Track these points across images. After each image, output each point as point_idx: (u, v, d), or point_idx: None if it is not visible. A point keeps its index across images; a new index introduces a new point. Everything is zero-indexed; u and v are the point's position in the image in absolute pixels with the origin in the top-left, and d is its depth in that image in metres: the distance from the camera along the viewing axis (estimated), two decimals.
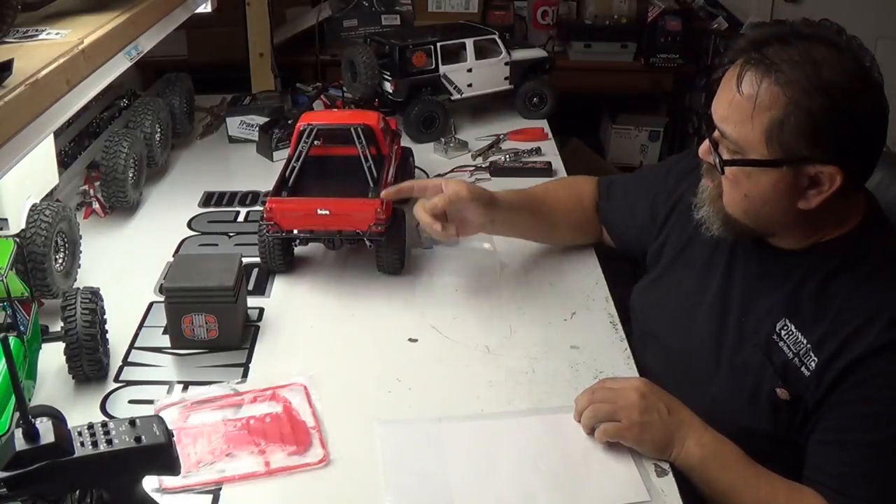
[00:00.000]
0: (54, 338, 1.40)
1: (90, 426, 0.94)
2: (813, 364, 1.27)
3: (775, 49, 1.23)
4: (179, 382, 1.44)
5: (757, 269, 1.40)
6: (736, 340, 1.39)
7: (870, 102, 1.23)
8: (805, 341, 1.29)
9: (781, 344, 1.31)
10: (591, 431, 1.31)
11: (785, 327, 1.32)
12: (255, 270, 1.75)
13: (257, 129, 2.34)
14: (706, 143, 1.33)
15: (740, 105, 1.24)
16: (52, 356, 1.41)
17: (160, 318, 1.55)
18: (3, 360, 1.12)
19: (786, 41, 1.23)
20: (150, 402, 1.38)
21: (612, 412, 1.29)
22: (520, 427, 1.34)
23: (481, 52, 2.44)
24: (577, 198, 1.79)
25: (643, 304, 1.61)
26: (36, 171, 1.63)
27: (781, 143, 1.23)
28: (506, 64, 2.47)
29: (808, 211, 1.27)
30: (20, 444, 0.88)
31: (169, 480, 1.21)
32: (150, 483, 1.11)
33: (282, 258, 1.73)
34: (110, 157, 1.88)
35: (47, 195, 1.69)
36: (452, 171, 2.18)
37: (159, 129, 2.14)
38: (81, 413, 1.34)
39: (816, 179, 1.25)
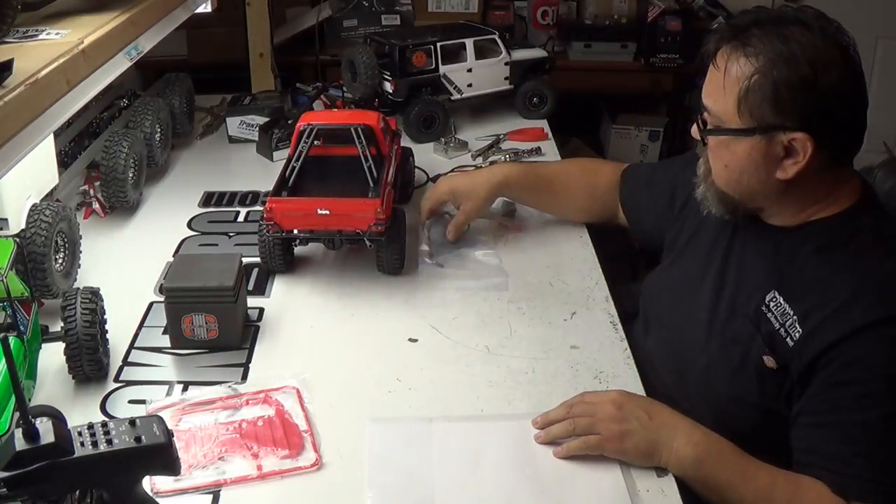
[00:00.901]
0: (54, 338, 1.40)
1: (90, 426, 0.93)
2: (797, 335, 1.29)
3: (751, 30, 1.31)
4: (179, 382, 1.44)
5: (752, 245, 1.44)
6: (728, 313, 1.42)
7: (839, 77, 1.28)
8: (792, 313, 1.32)
9: (769, 315, 1.35)
10: (552, 441, 1.30)
11: (774, 299, 1.35)
12: (255, 270, 1.75)
13: (257, 129, 2.34)
14: (695, 125, 1.41)
15: (718, 80, 1.34)
16: (52, 356, 1.41)
17: (160, 318, 1.55)
18: (3, 360, 1.12)
19: (762, 23, 1.31)
20: (151, 402, 1.38)
21: (591, 425, 1.29)
22: (511, 430, 1.33)
23: (481, 52, 2.44)
24: (591, 185, 1.87)
25: (653, 288, 1.64)
26: (36, 171, 1.63)
27: (751, 111, 1.30)
28: (506, 64, 2.47)
29: (791, 184, 1.33)
30: (20, 444, 0.88)
31: (161, 484, 1.20)
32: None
33: (282, 258, 1.73)
34: (110, 157, 1.88)
35: (47, 195, 1.69)
36: (452, 171, 2.18)
37: (159, 129, 2.14)
38: (81, 413, 1.34)
39: (790, 149, 1.30)
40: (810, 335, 1.28)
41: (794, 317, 1.31)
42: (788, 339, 1.31)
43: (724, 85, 1.32)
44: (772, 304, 1.35)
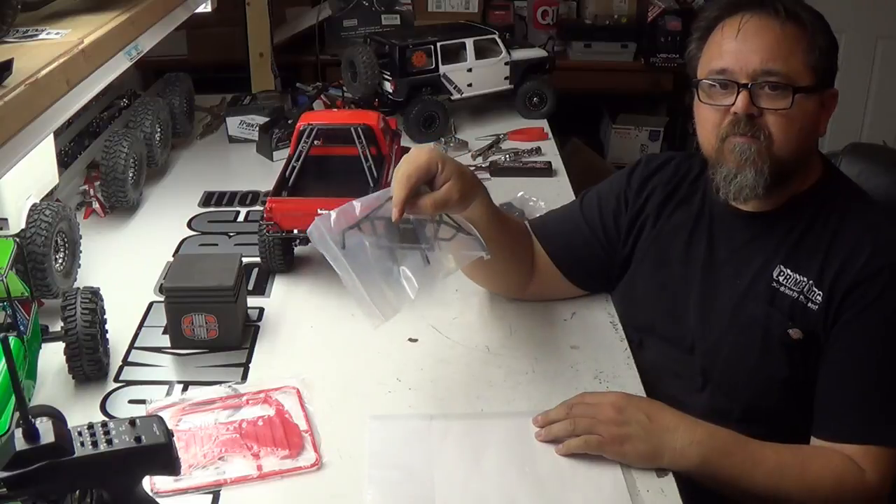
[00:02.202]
0: (54, 338, 1.40)
1: (90, 426, 0.93)
2: (819, 298, 1.35)
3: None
4: (179, 382, 1.44)
5: (740, 237, 1.46)
6: (734, 303, 1.43)
7: None
8: (805, 279, 1.37)
9: (783, 288, 1.39)
10: (552, 440, 1.29)
11: (782, 273, 1.39)
12: (255, 270, 1.75)
13: (257, 129, 2.34)
14: (744, 96, 1.35)
15: (782, 43, 1.35)
16: (52, 356, 1.41)
17: (160, 318, 1.55)
18: (3, 360, 1.12)
19: None
20: (151, 402, 1.38)
21: (590, 427, 1.28)
22: (511, 428, 1.33)
23: (481, 52, 2.44)
24: (520, 243, 1.59)
25: (627, 304, 1.61)
26: (36, 171, 1.63)
27: (818, 69, 1.36)
28: (506, 64, 2.47)
29: (817, 141, 1.42)
30: (20, 444, 0.88)
31: (161, 484, 1.20)
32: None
33: (282, 258, 1.72)
34: (110, 157, 1.88)
35: (47, 195, 1.69)
36: None
37: (159, 129, 2.14)
38: (81, 413, 1.34)
39: (825, 103, 1.39)
40: (831, 292, 1.34)
41: (810, 282, 1.36)
42: (811, 304, 1.35)
43: (791, 47, 1.35)
44: (781, 277, 1.39)
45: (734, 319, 1.43)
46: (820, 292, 1.35)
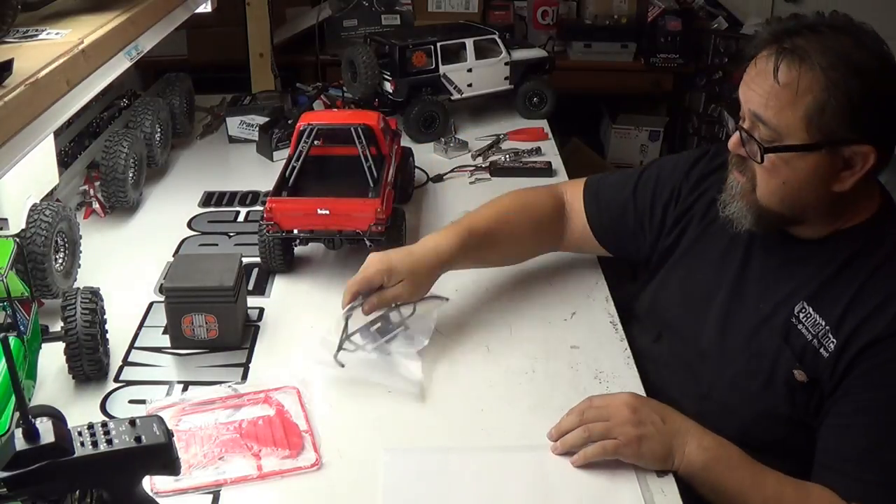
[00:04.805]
0: (54, 338, 1.40)
1: (90, 426, 0.93)
2: (832, 346, 1.29)
3: (803, 38, 1.26)
4: (179, 382, 1.44)
5: (776, 258, 1.42)
6: (753, 326, 1.40)
7: (894, 83, 1.28)
8: (824, 323, 1.31)
9: (800, 327, 1.34)
10: (569, 451, 1.27)
11: (804, 311, 1.34)
12: (255, 270, 1.75)
13: (257, 129, 2.34)
14: (736, 136, 1.34)
15: (778, 93, 1.26)
16: (52, 356, 1.41)
17: (160, 318, 1.55)
18: (3, 360, 1.12)
19: (811, 29, 1.27)
20: (151, 402, 1.38)
21: (607, 431, 1.27)
22: (529, 464, 1.28)
23: (481, 52, 2.44)
24: (533, 220, 1.69)
25: (656, 295, 1.60)
26: (36, 171, 1.63)
27: (821, 127, 1.25)
28: (506, 64, 2.47)
29: (842, 195, 1.30)
30: (20, 444, 0.88)
31: (161, 484, 1.20)
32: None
33: (282, 258, 1.73)
34: (110, 157, 1.88)
35: (47, 195, 1.69)
36: (452, 171, 2.19)
37: (159, 129, 2.14)
38: (81, 413, 1.34)
39: (850, 161, 1.27)
40: (845, 342, 1.28)
41: (827, 327, 1.30)
42: (822, 350, 1.30)
43: (788, 98, 1.25)
44: (801, 315, 1.34)
45: (748, 343, 1.40)
46: (834, 340, 1.29)
